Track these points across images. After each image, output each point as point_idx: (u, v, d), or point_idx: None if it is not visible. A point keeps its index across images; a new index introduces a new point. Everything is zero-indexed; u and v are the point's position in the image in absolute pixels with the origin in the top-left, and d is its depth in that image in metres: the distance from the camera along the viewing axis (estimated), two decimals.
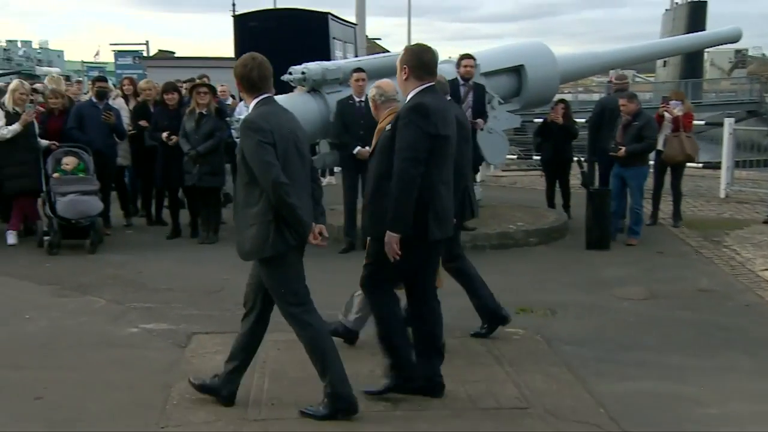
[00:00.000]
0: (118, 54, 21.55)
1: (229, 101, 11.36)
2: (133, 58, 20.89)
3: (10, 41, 54.63)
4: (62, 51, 58.42)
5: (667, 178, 8.90)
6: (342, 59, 13.95)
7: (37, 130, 7.93)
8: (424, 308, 4.11)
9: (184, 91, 8.93)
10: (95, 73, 22.50)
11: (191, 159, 7.92)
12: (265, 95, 3.86)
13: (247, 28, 14.58)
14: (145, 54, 21.95)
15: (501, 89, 8.80)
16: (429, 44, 4.16)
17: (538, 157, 11.08)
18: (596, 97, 25.37)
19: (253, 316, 3.94)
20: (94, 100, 8.50)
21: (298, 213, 3.71)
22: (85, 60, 44.84)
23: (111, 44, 37.96)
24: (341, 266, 7.33)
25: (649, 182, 8.70)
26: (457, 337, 4.96)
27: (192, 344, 4.92)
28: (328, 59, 11.68)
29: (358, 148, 7.54)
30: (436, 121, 3.90)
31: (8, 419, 3.73)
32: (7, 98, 7.76)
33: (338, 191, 9.59)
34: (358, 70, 7.74)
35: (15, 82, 8.11)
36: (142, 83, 9.96)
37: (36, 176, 7.76)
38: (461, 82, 7.83)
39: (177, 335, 5.13)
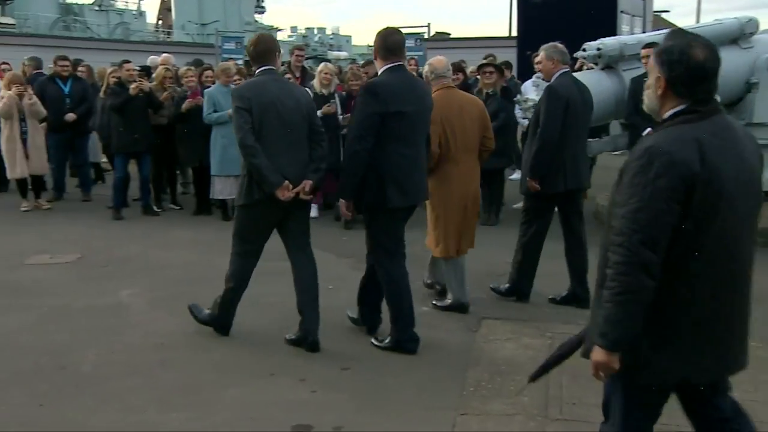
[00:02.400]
0: None
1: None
2: (414, 41, 21.58)
3: (308, 29, 60.31)
4: (350, 36, 62.86)
5: None
6: (628, 34, 13.02)
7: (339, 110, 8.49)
8: (385, 277, 4.48)
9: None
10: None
11: None
12: (264, 67, 4.48)
13: (531, 4, 14.29)
14: (426, 36, 22.59)
15: None
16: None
17: None
18: None
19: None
20: None
21: (262, 172, 4.29)
22: (370, 44, 47.74)
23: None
24: None
25: None
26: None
27: (482, 329, 4.88)
28: (614, 34, 10.97)
29: (649, 129, 6.93)
30: (385, 98, 4.24)
31: (320, 385, 3.99)
32: (315, 81, 8.38)
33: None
34: (648, 45, 7.10)
35: (322, 65, 8.72)
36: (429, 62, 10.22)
37: (335, 154, 8.31)
38: None
39: (466, 318, 5.13)
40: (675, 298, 2.30)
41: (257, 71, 4.51)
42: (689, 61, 2.28)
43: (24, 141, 8.49)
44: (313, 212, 8.48)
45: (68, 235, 7.54)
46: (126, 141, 8.25)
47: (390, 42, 4.38)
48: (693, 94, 2.31)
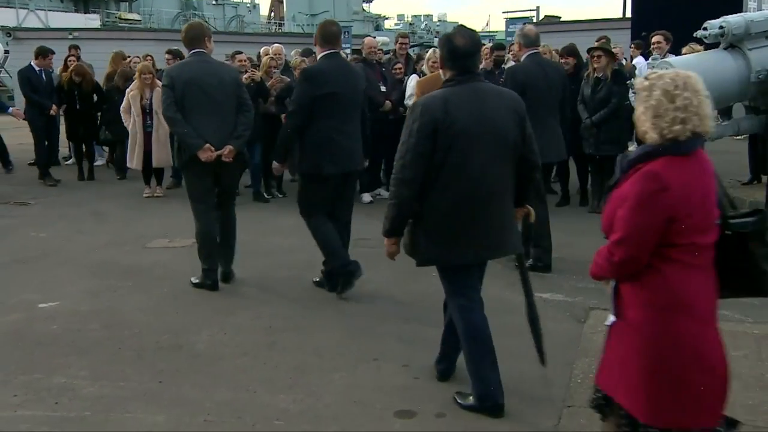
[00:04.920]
0: (510, 21, 22.02)
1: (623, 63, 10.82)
2: (523, 25, 21.13)
3: (415, 16, 60.50)
4: (457, 23, 62.31)
5: None
6: (756, 10, 12.22)
7: None
8: (314, 228, 5.24)
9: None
10: (486, 42, 23.36)
11: (586, 127, 7.72)
12: (195, 50, 5.32)
13: None
14: (535, 20, 22.08)
15: None
16: None
17: None
18: None
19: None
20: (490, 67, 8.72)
21: (183, 138, 5.21)
22: (477, 30, 47.24)
23: (503, 12, 39.47)
24: None
25: None
26: None
27: (590, 320, 4.74)
28: (739, 11, 10.31)
29: None
30: (317, 82, 4.99)
31: (423, 372, 4.01)
32: (424, 67, 8.35)
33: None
34: None
35: (430, 51, 8.67)
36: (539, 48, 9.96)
37: None
38: None
39: (574, 308, 5.01)
40: (432, 203, 3.37)
41: (189, 54, 5.39)
42: (450, 45, 3.42)
43: (148, 134, 8.95)
44: None
45: (185, 221, 7.85)
46: None
47: (326, 33, 5.10)
48: (454, 68, 3.41)
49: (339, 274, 5.21)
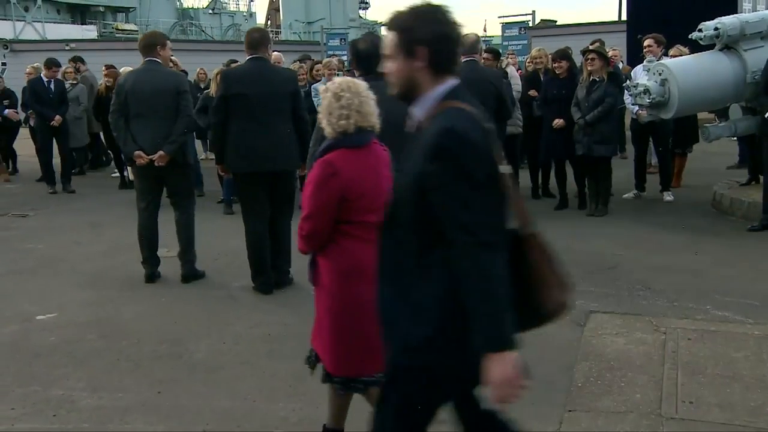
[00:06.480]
0: (506, 26, 22.00)
1: (620, 66, 10.85)
2: (519, 29, 21.13)
3: None
4: None
5: None
6: (751, 11, 12.23)
7: None
8: (246, 229, 5.57)
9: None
10: (484, 47, 23.37)
11: (580, 128, 7.73)
12: (148, 59, 5.66)
13: None
14: (531, 24, 22.07)
15: None
16: None
17: None
18: None
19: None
20: None
21: (119, 142, 5.83)
22: (476, 34, 47.23)
23: (499, 17, 39.62)
24: (746, 244, 6.48)
25: None
26: None
27: (591, 323, 4.71)
28: (734, 11, 10.34)
29: None
30: (229, 83, 5.34)
31: None
32: None
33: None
34: None
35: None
36: (533, 52, 9.96)
37: None
38: None
39: (574, 312, 4.97)
40: None
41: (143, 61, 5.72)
42: (354, 49, 4.08)
43: None
44: None
45: None
46: None
47: (250, 39, 5.46)
48: (359, 68, 3.97)
49: (255, 286, 5.62)
